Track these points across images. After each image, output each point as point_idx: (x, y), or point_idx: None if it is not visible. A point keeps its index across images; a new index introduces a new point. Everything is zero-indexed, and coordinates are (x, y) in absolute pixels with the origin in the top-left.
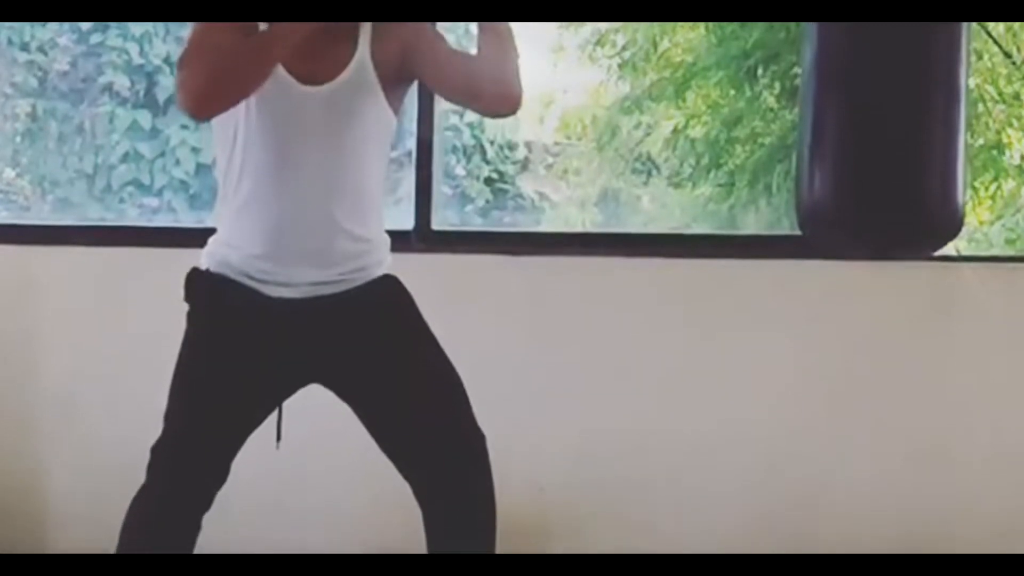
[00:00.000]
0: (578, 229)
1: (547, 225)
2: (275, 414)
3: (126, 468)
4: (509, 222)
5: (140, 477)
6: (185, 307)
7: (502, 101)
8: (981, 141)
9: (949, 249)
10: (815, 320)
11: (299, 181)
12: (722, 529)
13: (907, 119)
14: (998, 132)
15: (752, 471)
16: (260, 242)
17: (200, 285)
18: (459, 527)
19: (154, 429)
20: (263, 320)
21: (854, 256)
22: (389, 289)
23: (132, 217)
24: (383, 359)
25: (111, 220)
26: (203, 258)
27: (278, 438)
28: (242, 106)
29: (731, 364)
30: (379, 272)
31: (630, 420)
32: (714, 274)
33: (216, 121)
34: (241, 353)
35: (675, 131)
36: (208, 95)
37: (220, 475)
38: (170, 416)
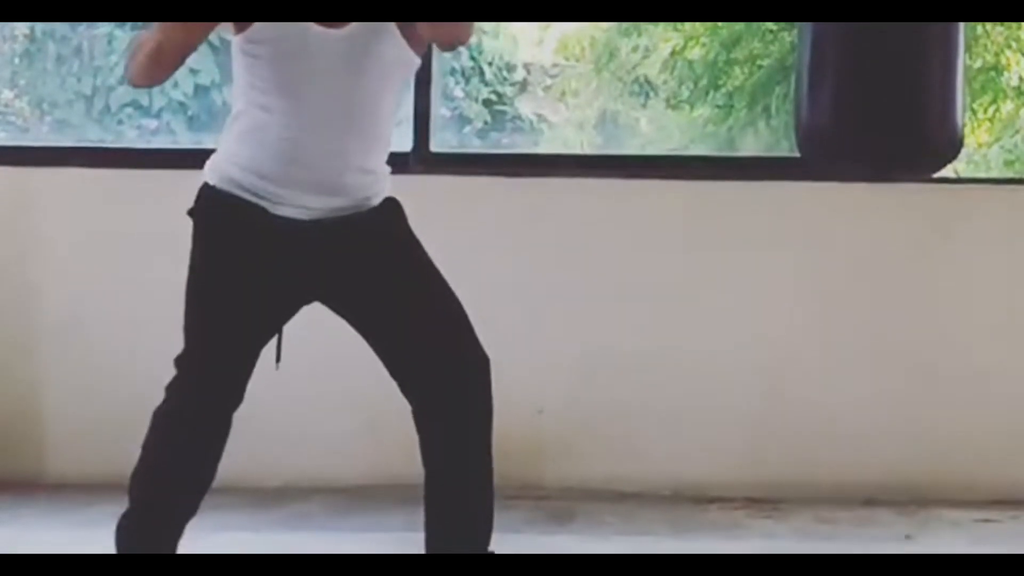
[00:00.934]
0: (576, 151)
1: (545, 147)
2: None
3: (124, 389)
4: (507, 144)
5: (139, 398)
6: (186, 226)
7: (453, 34)
8: (980, 63)
9: (948, 171)
10: (814, 242)
11: (313, 119)
12: (721, 450)
13: (906, 41)
14: (997, 54)
15: (751, 392)
16: (267, 168)
17: (207, 201)
18: (455, 448)
19: (152, 350)
20: (268, 237)
21: (853, 178)
22: (391, 212)
23: (130, 139)
24: (387, 279)
25: (109, 142)
26: (208, 173)
27: (277, 359)
28: (261, 40)
29: (730, 285)
30: (381, 197)
31: (629, 342)
32: (713, 196)
33: (233, 47)
34: (248, 268)
35: (673, 53)
36: (138, 80)
37: (241, 381)
38: (188, 330)
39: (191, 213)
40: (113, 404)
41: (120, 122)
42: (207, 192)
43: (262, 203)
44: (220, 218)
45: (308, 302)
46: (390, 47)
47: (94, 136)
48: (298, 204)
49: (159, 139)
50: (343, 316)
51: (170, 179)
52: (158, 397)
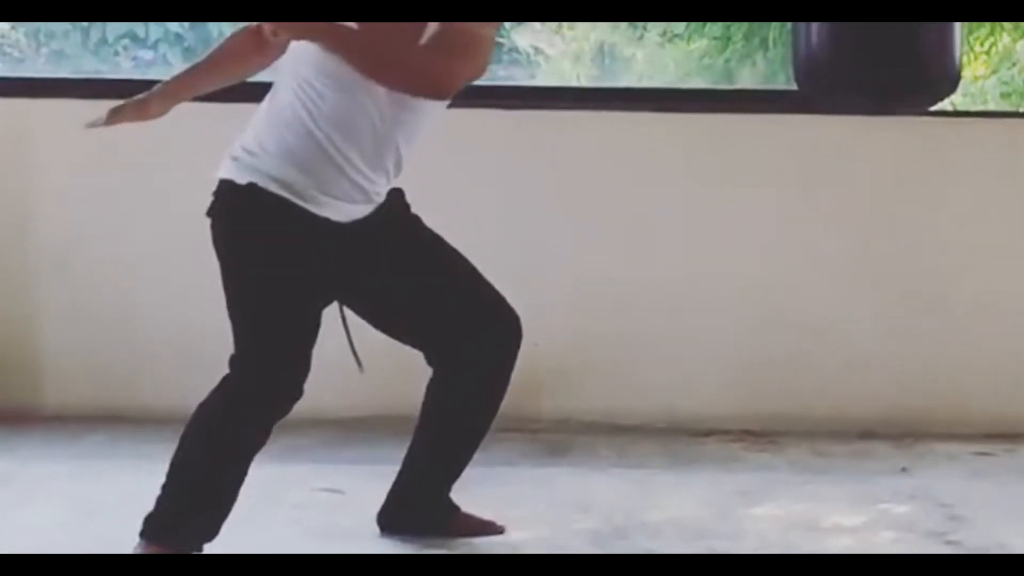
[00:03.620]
0: (573, 83)
1: (542, 79)
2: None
3: (121, 320)
4: (504, 76)
5: (135, 329)
6: (181, 158)
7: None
8: None
9: (944, 104)
10: (811, 174)
11: (366, 142)
12: (718, 383)
13: None
14: None
15: (748, 325)
16: (316, 175)
17: (254, 202)
18: (472, 405)
19: (149, 281)
20: (314, 239)
21: (850, 111)
22: (401, 201)
23: (127, 70)
24: (414, 267)
25: (106, 73)
26: (242, 171)
27: (359, 364)
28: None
29: (727, 218)
30: None
31: (625, 274)
32: (710, 129)
33: (297, 49)
34: (302, 270)
35: None
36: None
37: (303, 382)
38: (247, 332)
39: (229, 212)
40: (110, 335)
41: (116, 53)
42: (251, 193)
43: (307, 205)
44: (271, 220)
45: (336, 299)
46: None
47: (90, 67)
48: (336, 208)
49: (155, 70)
50: (367, 311)
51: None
52: (154, 328)
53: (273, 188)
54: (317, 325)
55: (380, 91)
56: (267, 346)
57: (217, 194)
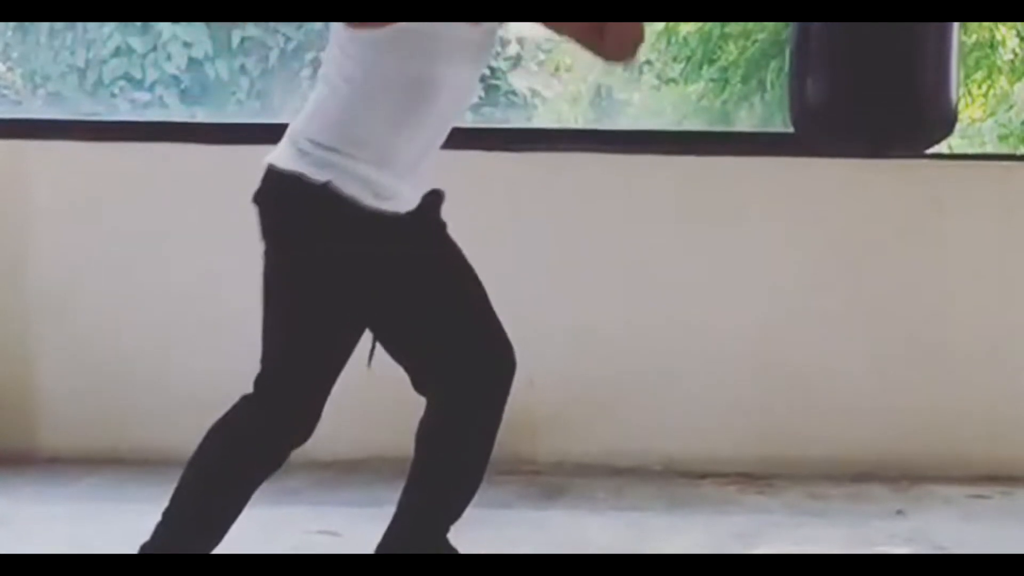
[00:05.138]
0: (570, 126)
1: (539, 121)
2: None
3: (117, 363)
4: (501, 118)
5: (132, 372)
6: (179, 195)
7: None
8: (974, 39)
9: (941, 146)
10: (807, 217)
11: (430, 116)
12: (714, 425)
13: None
14: (991, 29)
15: (743, 367)
16: (383, 161)
17: (321, 205)
18: (469, 440)
19: (145, 324)
20: (377, 241)
21: (847, 154)
22: (440, 202)
23: (123, 111)
24: (441, 277)
25: (103, 114)
26: (316, 167)
27: (369, 361)
28: (402, 40)
29: (723, 260)
30: None
31: (622, 315)
32: (707, 171)
33: (349, 37)
34: (360, 287)
35: (667, 27)
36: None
37: (322, 407)
38: (286, 350)
39: (296, 209)
40: (106, 378)
41: (113, 95)
42: (326, 194)
43: (376, 202)
44: (341, 227)
45: (376, 312)
46: (495, 42)
47: (87, 109)
48: (398, 199)
49: (152, 112)
50: (386, 322)
51: (163, 152)
52: (151, 371)
53: (350, 189)
54: (345, 358)
55: (464, 70)
56: (298, 366)
57: (280, 184)
